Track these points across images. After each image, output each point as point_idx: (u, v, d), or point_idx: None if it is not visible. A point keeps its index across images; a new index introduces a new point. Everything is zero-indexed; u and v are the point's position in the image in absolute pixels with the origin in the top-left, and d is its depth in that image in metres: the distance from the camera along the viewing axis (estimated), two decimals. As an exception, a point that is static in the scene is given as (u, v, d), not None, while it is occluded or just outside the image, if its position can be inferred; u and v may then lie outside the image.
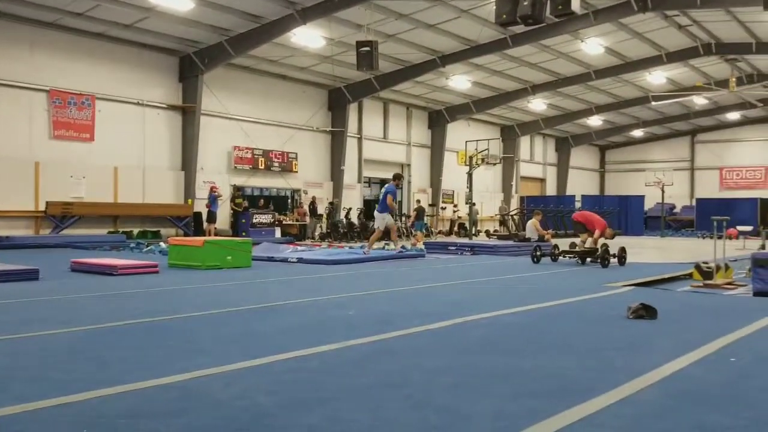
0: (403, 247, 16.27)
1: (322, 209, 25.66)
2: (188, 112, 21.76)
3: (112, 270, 9.89)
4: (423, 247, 17.67)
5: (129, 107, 20.65)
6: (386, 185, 15.64)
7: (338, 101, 26.81)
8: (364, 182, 29.65)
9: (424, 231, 27.61)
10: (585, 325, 6.00)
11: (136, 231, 20.35)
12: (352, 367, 4.23)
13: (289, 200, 26.34)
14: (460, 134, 31.47)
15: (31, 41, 18.41)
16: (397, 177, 15.83)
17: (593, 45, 23.24)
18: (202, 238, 12.89)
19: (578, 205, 33.57)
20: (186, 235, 20.23)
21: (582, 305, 7.33)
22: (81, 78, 19.40)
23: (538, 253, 13.26)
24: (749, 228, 26.21)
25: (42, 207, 18.32)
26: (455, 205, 32.40)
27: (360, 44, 17.86)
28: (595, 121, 36.83)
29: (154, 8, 17.89)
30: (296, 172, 25.64)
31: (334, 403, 3.40)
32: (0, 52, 17.82)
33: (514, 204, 35.68)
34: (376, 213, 15.58)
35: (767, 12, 16.44)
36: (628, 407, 3.35)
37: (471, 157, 24.86)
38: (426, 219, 30.32)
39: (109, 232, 19.57)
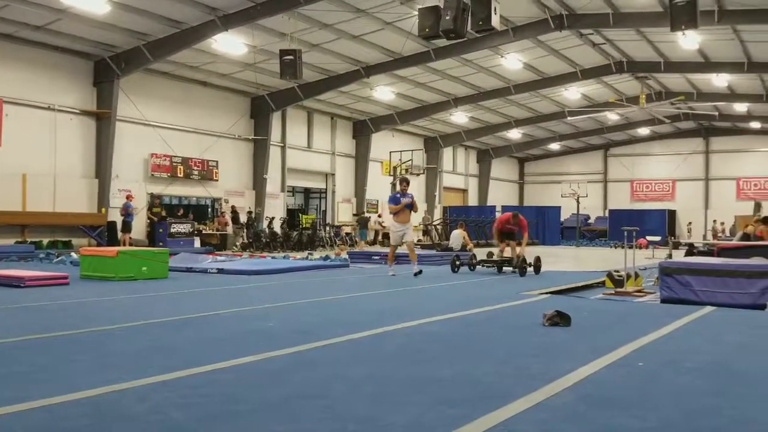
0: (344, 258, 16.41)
1: (243, 218, 25.24)
2: (102, 118, 20.96)
3: (20, 282, 9.40)
4: (347, 256, 17.68)
5: (39, 112, 19.70)
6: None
7: (261, 109, 26.51)
8: (288, 191, 29.38)
9: (359, 239, 27.71)
10: (503, 333, 6.14)
11: (46, 241, 19.38)
12: (270, 379, 4.16)
13: (210, 209, 25.78)
14: (384, 144, 31.73)
15: (-70, 40, 17.32)
16: (402, 181, 13.30)
17: (512, 60, 23.97)
18: (116, 248, 12.41)
19: (498, 215, 34.39)
20: (99, 245, 19.42)
21: (500, 313, 7.50)
22: (-14, 80, 18.38)
23: (458, 263, 13.49)
24: (658, 238, 27.62)
25: (-59, 215, 17.21)
26: (380, 215, 32.60)
27: (283, 53, 17.74)
28: (515, 134, 37.96)
29: (67, 10, 17.17)
30: (217, 180, 25.14)
31: (250, 416, 3.33)
32: None
33: (437, 214, 36.24)
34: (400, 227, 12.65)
35: (674, 33, 17.46)
36: (542, 412, 3.44)
37: (395, 168, 25.13)
38: (349, 229, 30.41)
39: (17, 242, 18.56)
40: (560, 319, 6.20)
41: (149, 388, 3.88)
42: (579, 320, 6.42)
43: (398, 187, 13.34)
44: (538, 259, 13.26)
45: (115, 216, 20.90)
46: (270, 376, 4.25)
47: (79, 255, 12.65)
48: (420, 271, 12.17)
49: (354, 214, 28.30)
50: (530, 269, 12.88)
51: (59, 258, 15.51)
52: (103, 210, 20.87)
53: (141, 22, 18.67)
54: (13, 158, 18.84)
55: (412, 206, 12.58)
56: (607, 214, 40.04)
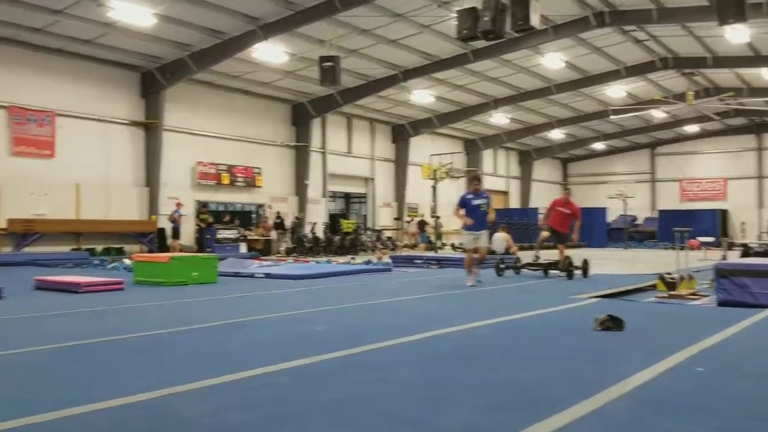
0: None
1: (287, 224, 25.52)
2: (151, 128, 21.49)
3: (77, 288, 9.69)
4: (389, 260, 17.71)
5: (91, 123, 20.32)
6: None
7: (302, 116, 26.79)
8: (329, 196, 29.62)
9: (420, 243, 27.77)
10: (554, 337, 6.06)
11: (99, 248, 19.96)
12: (323, 382, 4.21)
13: (254, 215, 26.15)
14: (423, 148, 31.68)
15: (-13, 57, 18.02)
16: (473, 180, 11.85)
17: (553, 59, 23.68)
18: (168, 254, 12.70)
19: (541, 217, 33.96)
20: (150, 251, 19.91)
21: (549, 317, 7.41)
22: (41, 94, 19.03)
23: (502, 266, 13.33)
24: (710, 239, 26.89)
25: (3, 225, 17.86)
26: (408, 221, 32.13)
27: (323, 59, 17.90)
28: (557, 134, 37.46)
29: (114, 24, 17.68)
30: (260, 186, 25.50)
31: (305, 419, 3.37)
32: (-45, 67, 17.39)
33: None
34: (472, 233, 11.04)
35: (722, 27, 17.00)
36: (598, 418, 3.39)
37: (435, 171, 25.06)
38: (391, 233, 30.46)
39: (72, 249, 19.16)
40: (613, 323, 6.09)
41: (205, 391, 3.96)
42: (632, 324, 6.30)
43: (471, 187, 11.62)
44: (585, 262, 13.02)
45: (165, 223, 21.39)
46: (322, 379, 4.29)
47: (132, 261, 12.98)
48: (479, 281, 11.00)
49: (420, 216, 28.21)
50: (578, 272, 12.67)
51: (113, 264, 15.92)
52: (153, 217, 21.39)
53: (185, 34, 19.09)
54: (67, 168, 19.47)
55: (487, 208, 10.97)
56: (655, 215, 39.14)
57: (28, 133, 18.75)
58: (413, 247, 29.61)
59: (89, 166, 20.17)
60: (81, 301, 8.73)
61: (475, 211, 10.90)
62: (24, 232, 18.17)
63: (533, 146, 40.99)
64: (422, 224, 27.82)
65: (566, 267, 12.47)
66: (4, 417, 3.34)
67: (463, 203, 11.08)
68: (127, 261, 15.83)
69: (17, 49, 18.51)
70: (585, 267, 12.91)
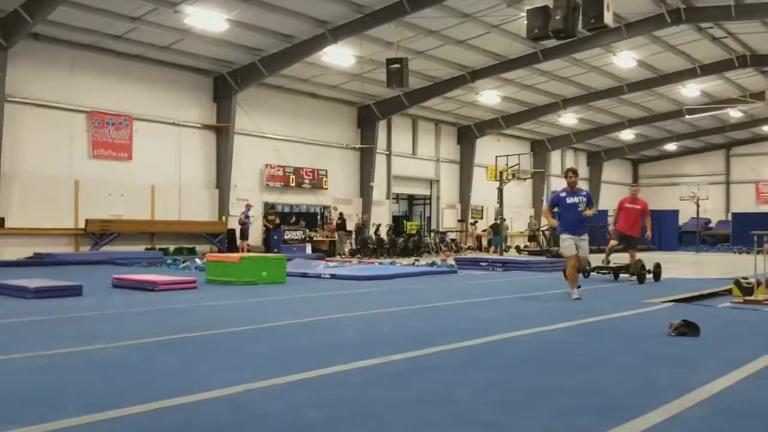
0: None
1: (351, 225, 25.78)
2: (222, 131, 22.13)
3: (153, 286, 10.07)
4: (454, 262, 17.65)
5: (165, 127, 21.08)
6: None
7: (367, 118, 27.01)
8: (393, 198, 29.74)
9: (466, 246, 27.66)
10: (627, 342, 5.93)
11: (172, 248, 20.68)
12: (394, 382, 4.26)
13: (319, 216, 26.53)
14: (489, 149, 31.39)
15: (71, 64, 18.94)
16: (570, 173, 9.82)
17: (625, 58, 23.09)
18: (239, 255, 13.07)
19: (611, 219, 33.14)
20: (220, 251, 20.49)
21: (622, 322, 7.25)
22: (119, 99, 19.87)
23: None
24: (788, 243, 25.55)
25: (82, 224, 18.74)
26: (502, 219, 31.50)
27: (390, 61, 18.01)
28: (628, 134, 36.46)
29: (189, 30, 18.29)
30: (326, 188, 25.84)
31: (381, 419, 3.42)
32: (41, 74, 18.35)
33: (545, 219, 35.37)
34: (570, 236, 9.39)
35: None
36: (677, 425, 3.31)
37: (501, 173, 24.80)
38: (455, 235, 30.32)
39: (147, 249, 19.92)
40: (688, 328, 5.92)
41: (282, 387, 4.07)
42: (708, 330, 6.11)
43: (565, 183, 9.76)
44: (658, 266, 12.67)
45: (234, 224, 21.98)
46: (393, 379, 4.34)
47: (205, 260, 13.39)
48: (579, 298, 9.06)
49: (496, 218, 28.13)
50: (649, 276, 12.33)
51: (185, 264, 16.45)
52: (224, 218, 22.01)
53: (256, 38, 19.57)
54: (143, 171, 20.27)
55: (587, 207, 9.32)
56: (729, 218, 37.56)
57: (107, 136, 19.60)
58: (487, 249, 29.40)
59: (163, 168, 20.92)
60: (157, 299, 9.08)
61: (570, 211, 9.36)
62: (101, 232, 19.00)
63: (603, 147, 40.02)
64: (496, 227, 27.70)
65: (638, 271, 12.16)
66: (93, 410, 3.52)
67: (556, 202, 9.67)
68: (198, 260, 16.33)
69: (98, 56, 19.40)
70: (657, 271, 12.58)
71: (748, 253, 19.73)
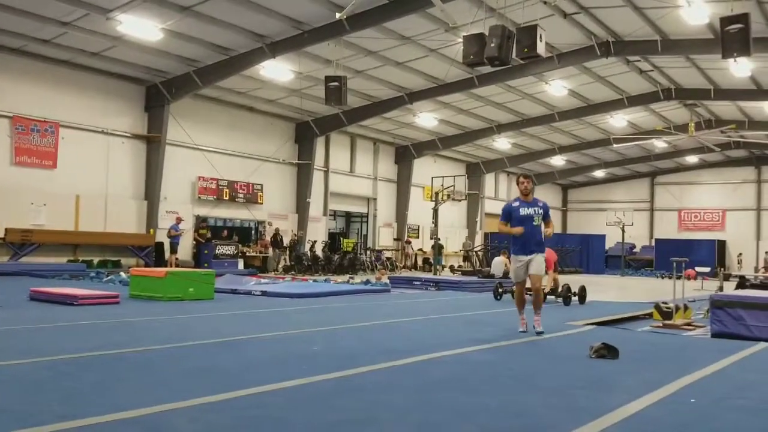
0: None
1: (286, 241, 25.52)
2: (153, 142, 21.57)
3: (73, 300, 9.68)
4: (388, 281, 17.70)
5: (93, 135, 20.39)
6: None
7: (305, 134, 26.91)
8: (330, 215, 29.65)
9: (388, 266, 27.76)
10: (549, 364, 6.05)
11: (96, 260, 19.93)
12: (318, 403, 4.20)
13: (253, 232, 26.16)
14: (426, 170, 31.80)
15: (-6, 66, 18.14)
16: (522, 179, 8.24)
17: (557, 87, 23.85)
18: (165, 269, 12.70)
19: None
20: (147, 265, 19.87)
21: (545, 343, 7.39)
22: (45, 105, 19.13)
23: (501, 290, 13.35)
24: (707, 269, 26.85)
25: (0, 233, 17.86)
26: (437, 239, 31.71)
27: (329, 79, 18.02)
28: (558, 161, 37.63)
29: (122, 37, 17.82)
30: (261, 203, 25.53)
31: (300, 441, 3.36)
32: (-38, 75, 17.50)
33: (479, 240, 36.02)
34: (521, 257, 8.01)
35: (725, 60, 17.16)
36: (592, 446, 3.38)
37: (437, 193, 25.12)
38: (390, 254, 30.45)
39: (69, 261, 19.13)
40: (608, 351, 6.09)
41: (199, 408, 3.95)
42: (626, 353, 6.30)
43: (519, 190, 8.24)
44: (583, 289, 13.05)
45: (163, 237, 21.38)
46: (317, 400, 4.28)
47: (129, 275, 12.96)
48: (541, 332, 7.79)
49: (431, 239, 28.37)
50: (574, 299, 12.68)
51: (109, 277, 15.90)
52: (152, 231, 21.38)
53: (191, 49, 19.23)
54: (68, 180, 19.51)
55: (545, 223, 7.96)
56: (653, 243, 39.20)
57: (31, 143, 18.82)
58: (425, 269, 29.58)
59: (90, 177, 20.20)
60: (76, 314, 8.71)
61: (524, 226, 7.84)
62: (21, 242, 18.16)
63: (535, 171, 41.09)
64: (439, 247, 28.02)
65: (564, 293, 12.49)
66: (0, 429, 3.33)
67: (508, 214, 8.00)
68: (123, 274, 15.80)
69: (25, 60, 18.65)
70: (582, 294, 12.95)
71: (670, 278, 20.54)
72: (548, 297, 12.95)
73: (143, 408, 3.86)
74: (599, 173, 42.07)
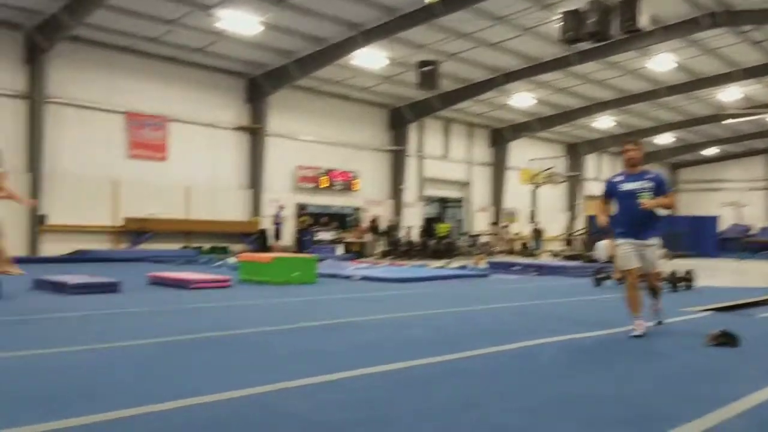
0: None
1: (383, 227, 25.80)
2: (255, 133, 22.36)
3: (187, 284, 10.21)
4: (486, 266, 17.52)
5: (199, 128, 21.39)
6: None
7: (399, 120, 27.02)
8: (425, 201, 29.69)
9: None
10: (663, 351, 5.79)
11: (206, 246, 20.97)
12: (423, 386, 4.22)
13: (350, 218, 26.61)
14: (523, 152, 31.19)
15: (108, 65, 19.34)
16: (628, 147, 6.50)
17: (662, 61, 22.72)
18: (271, 255, 13.16)
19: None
20: (253, 251, 20.68)
21: (658, 330, 7.09)
22: (155, 100, 20.23)
23: (601, 276, 12.57)
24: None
25: (120, 223, 19.12)
26: (535, 222, 30.85)
27: (421, 64, 18.01)
28: (665, 138, 35.87)
29: (222, 33, 18.53)
30: (357, 190, 25.92)
31: (408, 423, 3.40)
32: (80, 76, 18.77)
33: (580, 223, 34.98)
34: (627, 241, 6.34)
35: None
36: (714, 436, 3.22)
37: (535, 176, 24.58)
38: (487, 238, 30.14)
39: (182, 247, 20.24)
40: (727, 338, 5.76)
41: (312, 388, 4.08)
42: (748, 341, 5.94)
43: (623, 161, 6.56)
44: (690, 273, 12.24)
45: (267, 224, 22.19)
46: (421, 383, 4.31)
47: (237, 260, 13.52)
48: (660, 322, 6.79)
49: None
50: (682, 284, 11.97)
51: (218, 263, 16.65)
52: (256, 218, 22.23)
53: (288, 41, 19.73)
54: (179, 172, 20.60)
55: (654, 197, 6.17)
56: (772, 225, 36.67)
57: (144, 137, 19.97)
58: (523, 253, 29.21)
59: (198, 168, 21.23)
60: (191, 297, 9.19)
61: (627, 204, 6.30)
62: (139, 231, 19.36)
63: (639, 151, 39.42)
64: (538, 232, 27.73)
65: (672, 279, 11.83)
66: (126, 404, 3.57)
67: (610, 191, 6.52)
68: (232, 260, 16.50)
69: (134, 58, 19.77)
70: (689, 278, 12.13)
71: (790, 260, 19.18)
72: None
73: (257, 387, 4.02)
74: (710, 151, 39.74)
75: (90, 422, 3.27)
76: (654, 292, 6.79)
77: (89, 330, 6.35)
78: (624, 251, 6.31)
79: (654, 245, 6.33)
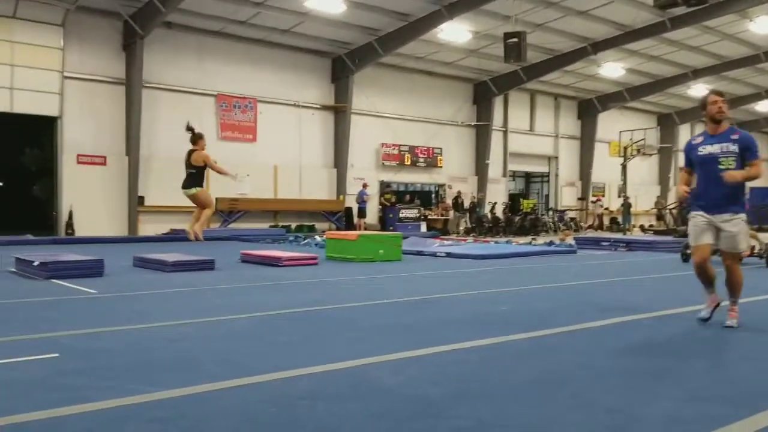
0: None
1: (467, 204, 25.67)
2: (340, 112, 22.65)
3: (278, 261, 10.58)
4: (573, 242, 17.17)
5: (287, 108, 21.88)
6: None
7: (483, 94, 26.65)
8: (509, 176, 29.25)
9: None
10: (760, 331, 5.54)
11: (293, 225, 21.56)
12: (513, 362, 4.25)
13: (434, 195, 26.60)
14: (612, 124, 30.11)
15: (198, 49, 20.04)
16: (711, 100, 5.30)
17: (763, 24, 21.26)
18: (357, 233, 13.40)
19: (745, 197, 30.86)
20: (338, 229, 21.10)
21: (754, 309, 6.79)
22: (244, 82, 20.83)
23: (689, 251, 11.82)
24: None
25: (212, 203, 19.95)
26: (625, 197, 29.27)
27: (507, 36, 17.63)
28: (766, 106, 33.67)
29: (308, 13, 18.80)
30: (441, 167, 25.85)
31: (499, 398, 3.44)
32: (172, 60, 19.56)
33: (672, 197, 33.54)
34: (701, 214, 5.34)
35: None
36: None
37: (625, 148, 23.72)
38: (574, 214, 29.42)
39: (270, 226, 20.90)
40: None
41: (401, 362, 4.18)
42: None
43: (707, 116, 5.40)
44: None
45: (352, 202, 22.54)
46: (512, 359, 4.34)
47: (324, 238, 13.86)
48: (732, 326, 5.36)
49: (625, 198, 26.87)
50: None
51: (306, 241, 17.11)
52: (341, 197, 22.62)
53: (372, 18, 19.78)
54: (267, 152, 21.21)
55: (744, 164, 5.17)
56: None
57: (234, 118, 20.64)
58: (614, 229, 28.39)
59: (285, 148, 21.77)
60: (282, 274, 9.53)
61: (705, 170, 5.31)
62: (230, 210, 20.12)
63: (737, 120, 37.18)
64: (628, 206, 26.94)
65: (766, 253, 10.92)
66: (227, 376, 3.79)
67: (688, 156, 5.52)
68: (318, 238, 16.92)
69: (224, 41, 20.40)
70: None
71: None
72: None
73: (350, 360, 4.16)
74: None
75: (196, 392, 3.50)
76: (730, 285, 5.41)
77: (191, 305, 6.72)
78: (694, 224, 5.35)
79: (736, 221, 5.23)
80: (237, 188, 20.43)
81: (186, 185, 9.67)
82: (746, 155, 5.16)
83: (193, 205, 9.80)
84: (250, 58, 21.03)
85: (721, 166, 5.16)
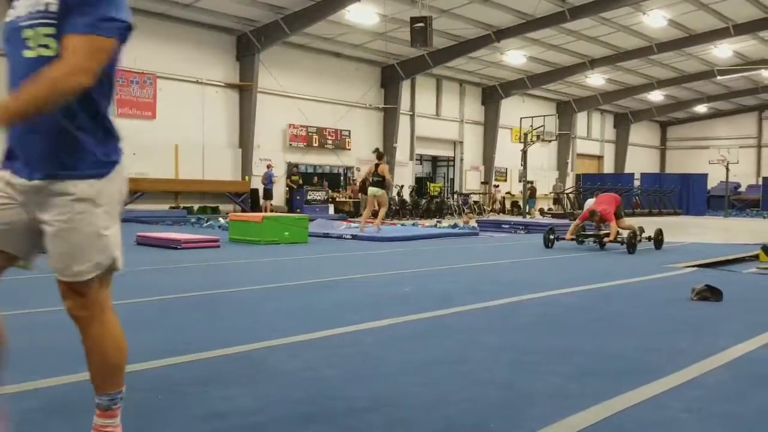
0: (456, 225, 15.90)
1: (375, 186, 25.76)
2: (245, 90, 22.09)
3: (177, 244, 10.21)
4: (476, 225, 17.61)
5: (189, 86, 21.11)
6: None
7: (391, 78, 26.76)
8: (416, 160, 29.60)
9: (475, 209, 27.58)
10: (646, 307, 5.89)
11: (196, 207, 20.91)
12: (409, 342, 4.28)
13: (342, 177, 26.53)
14: (514, 110, 31.03)
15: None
16: None
17: (656, 17, 22.47)
18: (261, 214, 13.15)
19: (637, 183, 32.75)
20: (243, 211, 20.65)
21: (641, 286, 7.19)
22: (143, 57, 19.84)
23: (552, 236, 11.59)
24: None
25: (107, 183, 18.99)
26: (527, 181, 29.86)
27: (414, 20, 17.73)
28: (657, 96, 35.74)
29: (211, -13, 18.14)
30: (349, 149, 25.80)
31: (394, 378, 3.45)
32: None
33: (570, 182, 35.08)
34: None
35: None
36: (694, 389, 3.29)
37: (526, 134, 24.50)
38: (477, 197, 30.20)
39: (171, 208, 20.16)
40: (710, 293, 5.86)
41: (298, 345, 4.12)
42: (731, 295, 6.04)
43: None
44: (659, 233, 11.57)
45: (257, 184, 22.10)
46: (408, 339, 4.36)
47: (228, 220, 13.51)
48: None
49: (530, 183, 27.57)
50: (648, 242, 11.34)
51: (208, 222, 16.64)
52: (246, 178, 22.13)
53: (279, -4, 19.35)
54: (167, 130, 20.39)
55: None
56: (760, 182, 36.88)
57: (131, 95, 19.70)
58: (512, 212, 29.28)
59: (187, 127, 21.02)
60: (181, 257, 9.21)
61: None
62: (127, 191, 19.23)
63: (630, 108, 39.29)
64: (532, 190, 27.91)
65: (629, 239, 10.68)
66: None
67: None
68: (222, 220, 16.49)
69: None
70: (658, 238, 11.45)
71: (777, 218, 19.33)
72: (609, 244, 11.17)
73: (247, 344, 4.06)
74: (701, 108, 39.71)
75: (69, 381, 3.30)
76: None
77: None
78: None
79: None
80: (135, 167, 19.55)
81: (376, 187, 13.79)
82: None
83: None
84: (150, 33, 20.03)
85: None
